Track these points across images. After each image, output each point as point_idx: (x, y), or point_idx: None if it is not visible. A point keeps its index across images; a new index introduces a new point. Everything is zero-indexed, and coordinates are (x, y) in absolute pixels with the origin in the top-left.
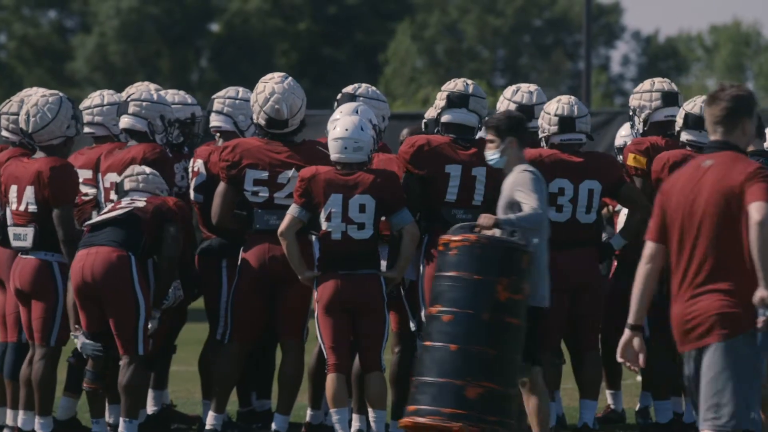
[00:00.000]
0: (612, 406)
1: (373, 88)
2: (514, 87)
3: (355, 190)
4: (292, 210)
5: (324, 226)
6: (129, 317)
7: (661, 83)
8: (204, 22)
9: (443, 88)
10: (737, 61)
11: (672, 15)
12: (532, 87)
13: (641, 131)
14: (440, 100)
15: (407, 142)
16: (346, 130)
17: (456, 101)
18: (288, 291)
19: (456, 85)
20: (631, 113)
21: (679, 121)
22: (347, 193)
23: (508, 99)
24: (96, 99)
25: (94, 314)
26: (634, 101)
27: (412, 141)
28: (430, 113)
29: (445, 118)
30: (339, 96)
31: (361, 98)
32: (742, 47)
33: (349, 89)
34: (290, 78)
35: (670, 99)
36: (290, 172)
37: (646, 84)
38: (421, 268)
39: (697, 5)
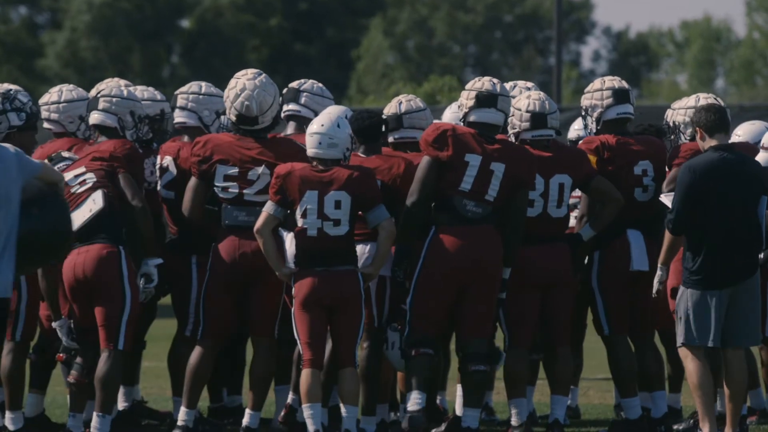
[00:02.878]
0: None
1: (319, 84)
2: (511, 83)
3: (331, 186)
4: (268, 207)
5: (300, 222)
6: (115, 310)
7: (611, 81)
8: (175, 18)
9: (469, 87)
10: (708, 57)
11: (643, 11)
12: (530, 84)
13: (594, 130)
14: (467, 99)
15: (432, 126)
16: (322, 125)
17: (485, 101)
18: (259, 288)
19: (483, 84)
20: (583, 113)
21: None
22: (323, 190)
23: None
24: (54, 95)
25: (84, 310)
26: (585, 101)
27: (437, 125)
28: (389, 110)
29: (473, 117)
30: (284, 90)
31: (306, 93)
32: (712, 43)
33: (294, 84)
34: (263, 75)
35: (621, 96)
36: (260, 169)
37: (597, 83)
38: (421, 260)
39: (667, 1)
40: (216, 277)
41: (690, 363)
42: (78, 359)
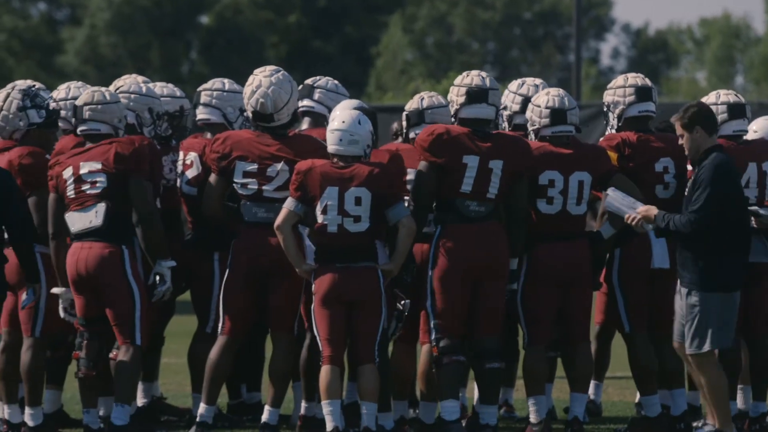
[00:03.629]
0: (591, 397)
1: (334, 80)
2: (519, 80)
3: (351, 182)
4: (288, 203)
5: (320, 218)
6: (126, 309)
7: (634, 78)
8: (194, 15)
9: (458, 83)
10: (727, 54)
11: (662, 8)
12: (538, 80)
13: (616, 127)
14: (458, 95)
15: (426, 131)
16: (343, 122)
17: (475, 96)
18: (278, 284)
19: (473, 79)
20: (605, 109)
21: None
22: (343, 186)
23: (514, 92)
24: (62, 92)
25: (90, 301)
26: (608, 97)
27: (431, 129)
28: (411, 105)
29: (465, 114)
30: (300, 87)
31: (319, 89)
32: (732, 40)
33: (308, 81)
34: (281, 72)
35: (644, 94)
36: (279, 165)
37: (620, 80)
38: (431, 260)
39: None
40: (235, 274)
41: (714, 369)
42: (83, 352)
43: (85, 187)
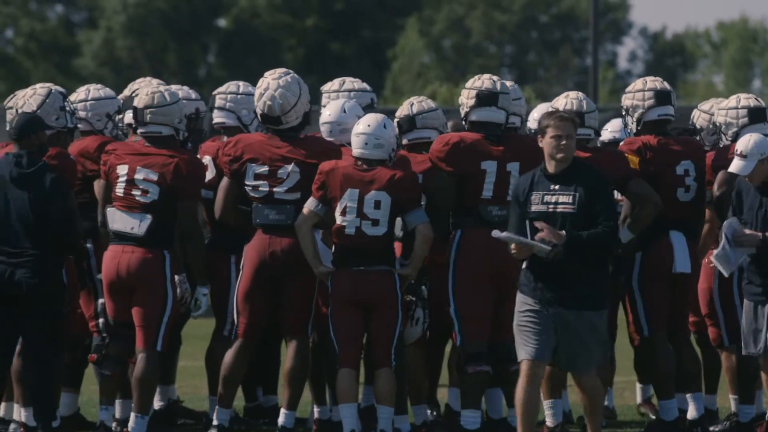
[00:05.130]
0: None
1: (358, 81)
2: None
3: (372, 185)
4: (309, 203)
5: (339, 220)
6: (156, 311)
7: (653, 82)
8: (211, 18)
9: (469, 85)
10: (744, 58)
11: (679, 11)
12: (495, 77)
13: (635, 131)
14: (468, 98)
15: (440, 141)
16: (369, 125)
17: (485, 99)
18: (291, 287)
19: (483, 82)
20: (624, 113)
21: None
22: (363, 189)
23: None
24: (81, 94)
25: (124, 305)
26: (626, 101)
27: (445, 139)
28: (402, 112)
29: (475, 116)
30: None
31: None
32: (749, 44)
33: (335, 86)
34: (291, 74)
35: (663, 98)
36: (289, 167)
37: (639, 83)
38: (451, 265)
39: (704, 1)
40: (248, 277)
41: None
42: (111, 353)
43: (135, 192)
